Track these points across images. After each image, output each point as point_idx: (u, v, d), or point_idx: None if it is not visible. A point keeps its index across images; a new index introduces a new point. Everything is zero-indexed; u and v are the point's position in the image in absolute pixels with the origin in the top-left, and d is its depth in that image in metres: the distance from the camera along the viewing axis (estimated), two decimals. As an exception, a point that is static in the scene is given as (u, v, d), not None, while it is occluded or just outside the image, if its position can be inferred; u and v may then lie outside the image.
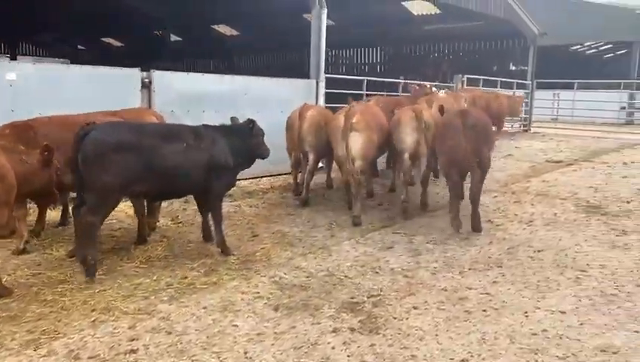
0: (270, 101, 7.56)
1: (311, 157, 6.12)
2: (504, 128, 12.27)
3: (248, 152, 4.54)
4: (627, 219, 5.42)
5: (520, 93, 13.51)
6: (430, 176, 6.47)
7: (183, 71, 6.96)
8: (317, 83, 8.27)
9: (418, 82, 10.00)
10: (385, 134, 5.82)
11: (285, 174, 7.72)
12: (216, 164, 4.19)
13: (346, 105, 6.15)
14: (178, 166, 3.98)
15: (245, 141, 4.50)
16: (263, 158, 4.76)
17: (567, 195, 6.55)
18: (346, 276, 3.93)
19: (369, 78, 10.43)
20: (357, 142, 5.35)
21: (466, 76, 12.65)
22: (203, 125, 4.40)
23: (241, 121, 4.70)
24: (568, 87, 17.61)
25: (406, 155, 5.70)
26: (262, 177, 7.52)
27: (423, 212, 5.76)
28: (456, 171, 5.10)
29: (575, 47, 37.77)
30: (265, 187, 6.99)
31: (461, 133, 4.96)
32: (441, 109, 6.04)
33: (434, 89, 8.67)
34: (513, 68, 17.90)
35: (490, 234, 4.90)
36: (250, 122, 4.63)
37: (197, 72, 7.31)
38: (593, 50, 41.25)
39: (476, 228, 5.01)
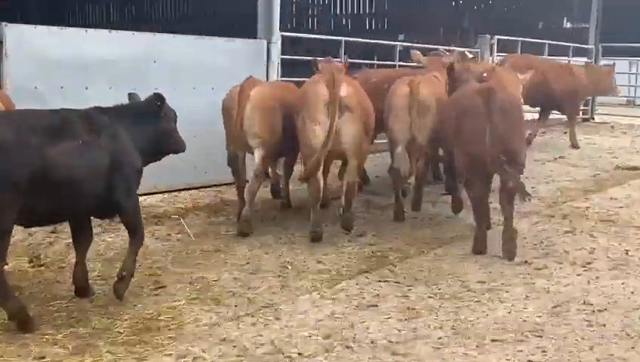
0: (195, 72, 7.50)
1: (257, 155, 6.20)
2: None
3: (154, 143, 4.63)
4: None
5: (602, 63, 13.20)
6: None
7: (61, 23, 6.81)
8: (268, 45, 8.23)
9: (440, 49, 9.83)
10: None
11: (217, 186, 7.65)
12: (123, 164, 4.30)
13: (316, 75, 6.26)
14: (72, 174, 4.04)
15: (150, 127, 4.62)
16: (176, 152, 4.89)
17: (648, 223, 6.62)
18: (300, 354, 3.81)
19: (350, 39, 10.40)
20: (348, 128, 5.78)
21: (496, 37, 12.76)
22: (95, 108, 4.42)
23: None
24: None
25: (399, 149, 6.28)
26: (178, 191, 7.44)
27: (425, 248, 5.71)
28: (479, 176, 5.50)
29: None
30: (183, 207, 6.93)
31: (485, 118, 5.26)
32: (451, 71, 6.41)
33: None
34: (568, 25, 18.12)
35: (525, 284, 4.87)
36: (157, 98, 4.67)
37: (79, 25, 7.15)
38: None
39: (510, 253, 5.37)
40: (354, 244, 5.81)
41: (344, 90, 5.90)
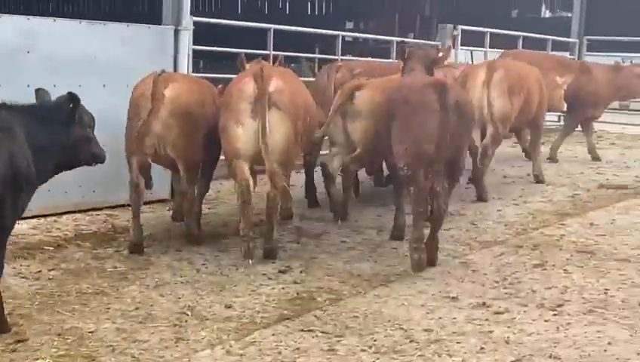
0: (81, 65, 7.33)
1: (180, 168, 6.46)
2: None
3: (63, 152, 4.73)
4: None
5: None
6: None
7: None
8: (176, 32, 8.09)
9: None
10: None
11: (109, 209, 7.44)
12: (17, 174, 4.34)
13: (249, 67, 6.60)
14: None
15: (59, 132, 4.70)
16: (92, 164, 5.08)
17: (629, 254, 6.64)
18: None
19: (279, 27, 10.30)
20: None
21: (460, 28, 12.88)
22: None
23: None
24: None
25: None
26: (59, 215, 7.26)
27: (362, 287, 5.59)
28: (424, 173, 5.98)
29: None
30: (62, 236, 6.71)
31: (438, 115, 5.84)
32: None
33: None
34: (548, 15, 18.42)
35: (481, 332, 4.78)
36: (71, 99, 4.73)
37: None
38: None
39: (432, 260, 6.08)
40: (275, 283, 5.66)
41: (274, 85, 6.08)
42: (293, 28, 10.94)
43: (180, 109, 6.28)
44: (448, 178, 6.15)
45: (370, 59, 12.43)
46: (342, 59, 10.70)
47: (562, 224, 7.73)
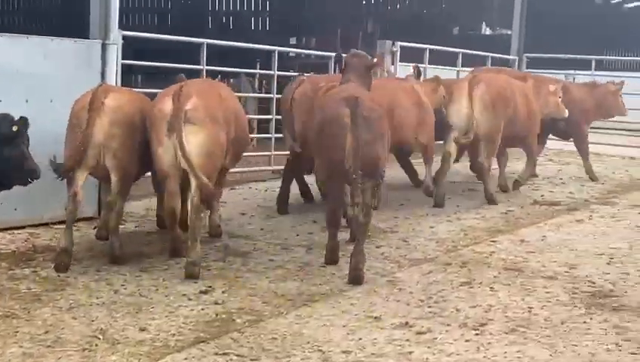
0: (3, 79, 7.07)
1: (113, 179, 6.39)
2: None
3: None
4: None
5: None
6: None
7: None
8: (103, 47, 7.91)
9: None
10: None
11: (32, 227, 7.24)
12: None
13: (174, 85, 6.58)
14: None
15: None
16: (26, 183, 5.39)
17: (557, 271, 6.63)
18: None
19: (212, 42, 10.18)
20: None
21: (399, 44, 12.89)
22: None
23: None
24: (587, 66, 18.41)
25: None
26: None
27: (285, 307, 5.48)
28: (338, 182, 6.44)
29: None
30: None
31: (349, 129, 6.15)
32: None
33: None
34: (488, 32, 18.67)
35: (400, 354, 4.70)
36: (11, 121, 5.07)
37: None
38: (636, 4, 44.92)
39: (356, 278, 6.07)
40: (194, 304, 5.51)
41: (191, 103, 6.24)
42: (227, 43, 10.80)
43: (121, 118, 6.33)
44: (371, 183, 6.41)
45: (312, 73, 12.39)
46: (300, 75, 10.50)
47: (493, 241, 7.71)
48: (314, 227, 7.94)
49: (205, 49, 9.53)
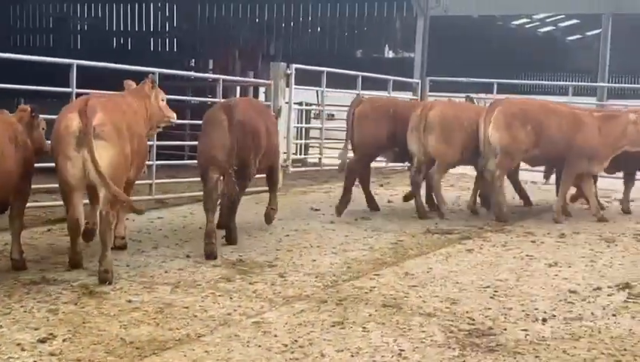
0: None
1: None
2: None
3: None
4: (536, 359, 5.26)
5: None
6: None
7: None
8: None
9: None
10: None
11: None
12: None
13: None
14: None
15: None
16: None
17: (437, 307, 6.33)
18: None
19: (82, 63, 9.63)
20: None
21: (294, 67, 12.57)
22: None
23: None
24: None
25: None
26: None
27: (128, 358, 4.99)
28: (214, 172, 7.98)
29: (518, 23, 42.30)
30: None
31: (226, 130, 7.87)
32: None
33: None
34: (391, 55, 18.60)
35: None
36: None
37: None
38: (549, 28, 46.26)
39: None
40: (27, 355, 4.96)
41: (97, 119, 6.64)
42: (98, 63, 10.24)
43: None
44: (239, 181, 8.02)
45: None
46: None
47: (376, 274, 7.36)
48: (185, 263, 7.47)
49: (75, 70, 8.98)
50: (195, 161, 8.86)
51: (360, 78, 14.38)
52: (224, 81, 11.95)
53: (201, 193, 8.26)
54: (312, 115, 17.58)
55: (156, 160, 10.75)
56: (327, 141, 15.44)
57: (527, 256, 8.30)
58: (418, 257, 8.18)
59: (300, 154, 16.15)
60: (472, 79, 16.46)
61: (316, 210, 10.77)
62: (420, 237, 9.25)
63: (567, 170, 10.50)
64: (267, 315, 5.99)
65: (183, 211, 10.32)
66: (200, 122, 8.61)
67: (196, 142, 10.60)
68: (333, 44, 17.96)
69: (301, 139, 16.44)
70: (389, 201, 11.72)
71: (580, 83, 35.90)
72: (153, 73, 10.22)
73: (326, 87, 13.99)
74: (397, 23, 17.50)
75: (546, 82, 18.98)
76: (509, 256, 8.27)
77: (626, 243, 9.09)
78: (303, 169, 14.44)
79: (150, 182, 10.59)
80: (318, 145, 15.86)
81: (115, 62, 10.54)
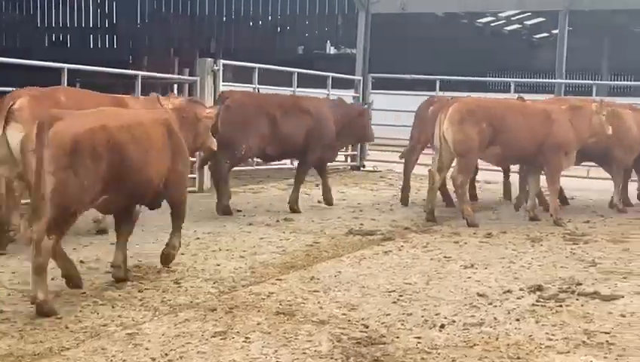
0: None
1: None
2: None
3: None
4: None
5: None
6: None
7: None
8: None
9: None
10: None
11: None
12: None
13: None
14: None
15: None
16: None
17: (333, 314, 6.01)
18: None
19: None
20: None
21: (221, 62, 12.20)
22: None
23: None
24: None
25: None
26: None
27: None
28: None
29: (484, 21, 42.25)
30: None
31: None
32: None
33: None
34: (333, 51, 18.30)
35: None
36: None
37: None
38: (515, 26, 46.36)
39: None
40: None
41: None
42: (15, 60, 9.82)
43: None
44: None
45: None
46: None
47: (279, 279, 7.01)
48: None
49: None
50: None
51: (296, 75, 14.04)
52: (144, 78, 11.51)
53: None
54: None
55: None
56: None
57: (445, 257, 8.00)
58: (330, 260, 7.85)
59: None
60: (414, 76, 16.21)
61: (238, 211, 10.39)
62: (340, 238, 8.93)
63: (548, 169, 10.27)
64: (146, 326, 5.63)
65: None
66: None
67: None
68: (271, 40, 17.57)
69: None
70: (319, 201, 11.38)
71: (531, 80, 35.92)
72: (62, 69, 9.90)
73: (263, 84, 13.63)
74: (339, 19, 17.16)
75: (491, 79, 18.72)
76: (426, 258, 7.97)
77: (552, 244, 8.83)
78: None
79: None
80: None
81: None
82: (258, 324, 5.71)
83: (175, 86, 14.15)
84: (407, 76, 16.29)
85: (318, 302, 6.31)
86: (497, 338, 5.51)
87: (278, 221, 9.80)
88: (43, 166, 5.76)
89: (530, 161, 10.36)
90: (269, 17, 17.99)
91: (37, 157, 5.80)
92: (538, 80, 31.91)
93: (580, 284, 6.95)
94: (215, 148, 8.15)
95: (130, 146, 6.28)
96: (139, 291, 6.49)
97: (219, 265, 7.45)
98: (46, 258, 5.81)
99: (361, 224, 9.79)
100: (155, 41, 17.87)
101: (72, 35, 20.30)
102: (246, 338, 5.41)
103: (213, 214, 10.05)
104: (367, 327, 5.70)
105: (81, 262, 7.30)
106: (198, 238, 8.59)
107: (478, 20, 41.36)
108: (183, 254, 7.79)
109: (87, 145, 5.92)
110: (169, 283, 6.78)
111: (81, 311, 5.91)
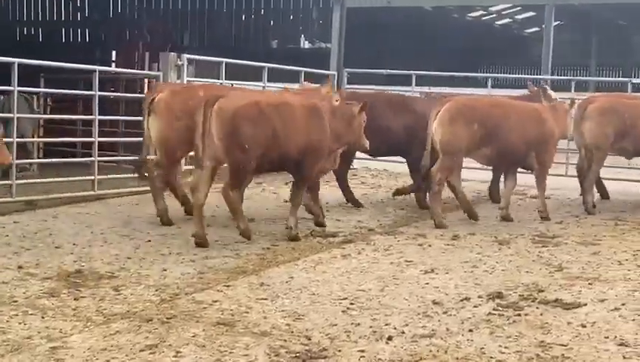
0: None
1: None
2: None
3: None
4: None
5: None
6: None
7: None
8: None
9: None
10: None
11: None
12: None
13: None
14: None
15: None
16: None
17: (276, 325, 5.69)
18: None
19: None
20: None
21: (185, 57, 11.87)
22: None
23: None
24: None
25: None
26: None
27: None
28: None
29: (474, 15, 42.04)
30: None
31: None
32: None
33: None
34: (307, 46, 18.01)
35: None
36: None
37: None
38: (506, 20, 46.15)
39: None
40: None
41: None
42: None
43: None
44: None
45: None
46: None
47: (227, 286, 6.69)
48: (13, 275, 6.75)
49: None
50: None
51: (266, 70, 13.70)
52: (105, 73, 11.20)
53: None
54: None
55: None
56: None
57: (405, 261, 7.70)
58: (284, 264, 7.53)
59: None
60: (390, 71, 15.92)
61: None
62: (304, 241, 8.61)
63: (541, 167, 10.11)
64: (73, 338, 5.30)
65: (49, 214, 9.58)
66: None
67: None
68: (244, 35, 17.25)
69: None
70: (285, 201, 11.05)
71: (511, 75, 35.62)
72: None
73: (233, 79, 13.31)
74: (313, 12, 16.83)
75: (471, 74, 18.47)
76: (386, 262, 7.66)
77: (520, 246, 8.54)
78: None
79: (10, 182, 9.80)
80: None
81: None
82: (193, 336, 5.39)
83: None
84: (383, 71, 16.02)
85: (263, 311, 5.99)
86: (446, 351, 5.20)
87: (253, 219, 9.47)
88: (207, 134, 7.75)
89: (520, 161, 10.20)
90: (243, 11, 17.61)
91: (202, 129, 7.77)
92: (519, 75, 31.81)
93: (543, 291, 6.66)
94: (368, 148, 9.31)
95: (277, 119, 8.01)
96: (74, 299, 6.18)
97: (165, 270, 7.13)
98: (232, 205, 8.13)
99: (324, 227, 9.45)
100: (121, 34, 17.56)
101: (42, 28, 19.93)
102: (177, 352, 5.09)
103: (171, 214, 9.72)
104: (309, 339, 5.38)
105: (20, 267, 7.00)
106: (150, 241, 8.27)
107: (469, 15, 41.16)
108: (129, 258, 7.51)
109: (244, 116, 7.78)
110: (108, 290, 6.46)
111: (8, 321, 5.60)
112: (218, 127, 7.74)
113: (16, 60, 9.39)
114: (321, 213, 9.38)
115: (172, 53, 11.76)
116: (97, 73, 10.49)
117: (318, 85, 9.50)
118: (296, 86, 12.44)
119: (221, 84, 12.49)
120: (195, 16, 17.96)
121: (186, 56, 11.82)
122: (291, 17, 17.27)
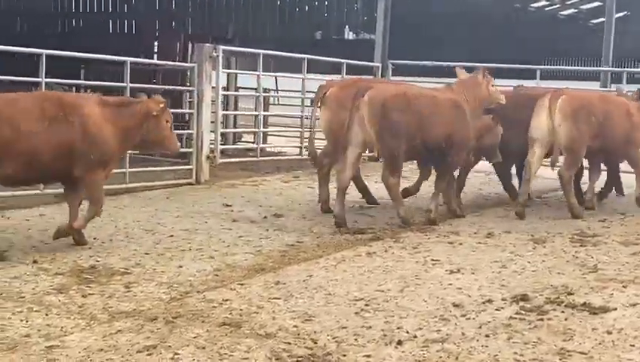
0: None
1: None
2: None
3: None
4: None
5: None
6: None
7: None
8: None
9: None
10: None
11: None
12: None
13: None
14: None
15: None
16: None
17: (283, 326, 5.50)
18: None
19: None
20: None
21: (221, 48, 11.76)
22: None
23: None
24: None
25: None
26: None
27: None
28: None
29: (537, 5, 41.18)
30: None
31: None
32: None
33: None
34: (352, 37, 17.77)
35: None
36: None
37: None
38: (571, 11, 45.20)
39: None
40: None
41: None
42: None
43: None
44: None
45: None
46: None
47: (242, 284, 6.53)
48: (25, 269, 6.69)
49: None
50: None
51: (306, 61, 13.52)
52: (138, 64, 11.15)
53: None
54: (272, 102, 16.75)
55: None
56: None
57: (432, 260, 7.45)
58: (305, 262, 7.34)
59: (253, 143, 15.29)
60: (435, 63, 15.61)
61: (227, 205, 9.93)
62: (326, 237, 8.43)
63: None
64: (71, 337, 5.20)
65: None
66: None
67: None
68: (289, 26, 17.05)
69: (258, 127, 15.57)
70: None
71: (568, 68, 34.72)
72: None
73: (279, 71, 13.22)
74: (358, 2, 16.57)
75: (517, 66, 17.93)
76: (411, 261, 7.41)
77: (556, 245, 8.20)
78: (237, 160, 13.55)
79: None
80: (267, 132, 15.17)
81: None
82: (195, 337, 5.24)
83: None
84: (429, 63, 15.72)
85: (273, 312, 5.82)
86: (457, 358, 4.97)
87: (265, 217, 9.32)
88: (354, 122, 8.55)
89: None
90: (288, 1, 17.41)
91: (350, 116, 8.58)
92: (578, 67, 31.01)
93: (572, 294, 6.36)
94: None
95: (422, 109, 8.73)
96: (82, 296, 6.08)
97: (181, 267, 7.01)
98: (392, 191, 8.87)
99: (355, 221, 9.22)
100: (164, 26, 17.56)
101: (86, 21, 20.09)
102: (175, 354, 4.95)
103: (199, 208, 9.62)
104: (315, 342, 5.20)
105: (35, 262, 6.94)
106: (172, 236, 8.16)
107: (532, 5, 40.21)
108: (147, 254, 7.41)
109: (392, 105, 8.52)
110: (119, 287, 6.35)
111: (10, 318, 5.53)
112: (370, 115, 8.46)
113: (44, 52, 9.36)
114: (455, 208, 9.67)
115: (207, 45, 11.64)
116: (128, 64, 10.42)
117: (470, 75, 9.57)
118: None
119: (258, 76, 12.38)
120: (239, 8, 17.84)
121: (221, 47, 11.70)
122: (336, 8, 16.99)
